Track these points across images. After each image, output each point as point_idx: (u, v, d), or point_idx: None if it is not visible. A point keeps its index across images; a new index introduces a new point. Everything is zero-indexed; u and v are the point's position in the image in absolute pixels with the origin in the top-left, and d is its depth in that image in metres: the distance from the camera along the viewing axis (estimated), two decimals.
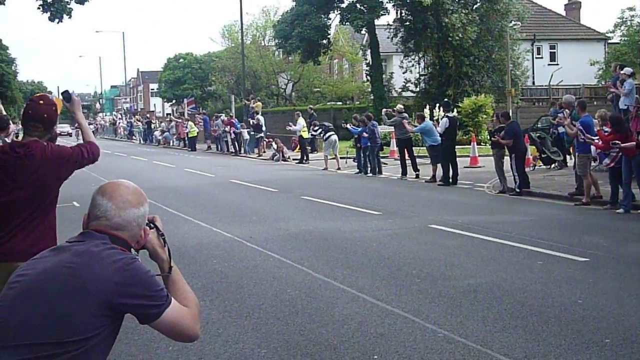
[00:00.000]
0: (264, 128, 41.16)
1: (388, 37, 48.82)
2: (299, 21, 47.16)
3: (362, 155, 27.50)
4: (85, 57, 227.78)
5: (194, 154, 46.44)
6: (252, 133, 41.56)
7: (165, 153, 47.54)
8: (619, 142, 15.62)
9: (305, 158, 34.64)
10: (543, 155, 25.46)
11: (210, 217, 16.37)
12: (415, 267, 10.72)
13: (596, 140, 16.57)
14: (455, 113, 29.64)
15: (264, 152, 40.11)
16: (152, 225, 3.35)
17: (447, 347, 7.11)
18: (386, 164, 28.97)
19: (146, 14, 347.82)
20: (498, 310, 8.28)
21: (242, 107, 49.66)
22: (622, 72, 21.60)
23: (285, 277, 10.28)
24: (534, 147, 25.72)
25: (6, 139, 10.86)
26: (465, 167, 26.33)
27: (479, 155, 28.76)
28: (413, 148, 26.18)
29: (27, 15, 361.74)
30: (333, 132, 31.66)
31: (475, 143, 29.63)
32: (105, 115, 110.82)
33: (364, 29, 48.15)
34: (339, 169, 29.57)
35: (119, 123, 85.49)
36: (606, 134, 16.28)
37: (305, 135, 35.66)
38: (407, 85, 49.44)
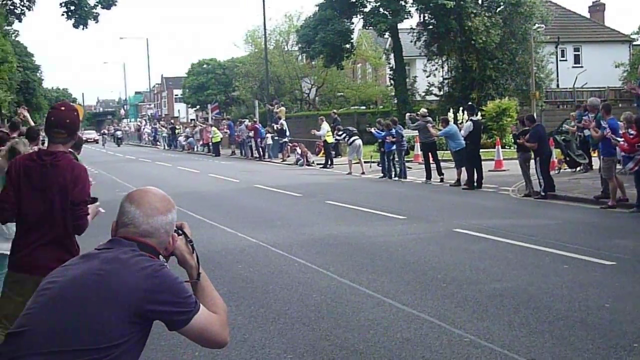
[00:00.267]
0: (287, 133, 41.20)
1: (411, 41, 48.75)
2: (322, 26, 47.25)
3: (386, 159, 27.48)
4: (109, 63, 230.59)
5: (218, 159, 46.58)
6: (276, 138, 41.64)
7: (190, 158, 47.69)
8: None
9: (329, 163, 34.64)
10: (568, 159, 25.33)
11: (234, 223, 16.41)
12: (441, 271, 10.70)
13: (622, 142, 16.46)
14: (479, 117, 29.54)
15: (288, 156, 40.16)
16: (180, 232, 3.37)
17: (473, 351, 7.08)
18: (410, 168, 28.91)
19: (170, 20, 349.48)
20: (524, 315, 8.24)
21: (266, 112, 49.75)
22: None
23: (310, 282, 10.29)
24: (559, 150, 25.58)
25: (35, 148, 10.95)
26: (489, 171, 26.22)
27: (504, 159, 28.64)
28: (437, 152, 26.11)
29: (52, 23, 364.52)
30: (357, 137, 31.62)
31: (499, 146, 29.53)
32: (130, 122, 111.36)
33: (387, 33, 48.19)
34: (363, 173, 29.57)
35: (143, 129, 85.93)
36: (631, 136, 16.17)
37: (330, 139, 35.65)
38: (430, 89, 49.36)
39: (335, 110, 44.90)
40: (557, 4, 59.86)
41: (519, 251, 12.17)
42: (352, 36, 50.90)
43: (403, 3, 46.81)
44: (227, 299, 9.14)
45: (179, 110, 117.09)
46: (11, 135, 11.15)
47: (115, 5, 37.55)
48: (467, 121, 24.46)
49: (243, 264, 11.70)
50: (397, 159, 27.19)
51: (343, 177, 29.01)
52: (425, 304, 8.89)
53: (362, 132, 35.82)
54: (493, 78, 45.10)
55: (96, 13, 37.54)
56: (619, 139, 16.61)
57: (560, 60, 57.54)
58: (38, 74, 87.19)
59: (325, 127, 36.04)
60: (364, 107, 58.53)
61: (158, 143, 72.69)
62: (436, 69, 49.04)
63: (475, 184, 22.40)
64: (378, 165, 29.56)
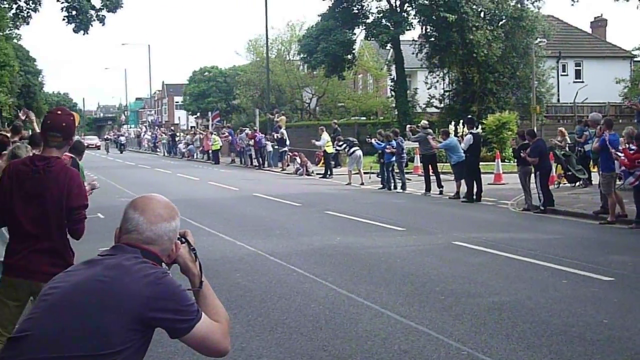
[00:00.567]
0: (287, 142, 41.25)
1: (413, 53, 48.82)
2: (324, 36, 47.32)
3: (385, 170, 27.51)
4: (111, 69, 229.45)
5: (218, 167, 46.62)
6: (276, 147, 41.68)
7: (189, 166, 47.72)
8: None
9: (329, 173, 34.66)
10: (568, 173, 25.34)
11: (233, 231, 16.41)
12: (439, 284, 10.70)
13: (622, 157, 16.47)
14: (479, 130, 29.56)
15: (288, 166, 40.18)
16: (183, 240, 3.37)
17: None
18: (410, 179, 28.91)
19: (172, 27, 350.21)
20: (522, 329, 8.24)
21: (267, 121, 49.80)
22: None
23: (308, 291, 10.29)
24: (559, 164, 25.60)
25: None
26: (489, 184, 26.24)
27: (503, 172, 28.67)
28: (437, 164, 26.11)
29: (55, 28, 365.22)
30: (358, 147, 31.64)
31: (499, 160, 29.56)
32: (130, 128, 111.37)
33: (388, 45, 48.22)
34: (362, 184, 29.58)
35: (143, 135, 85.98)
36: (632, 152, 16.19)
37: (329, 150, 35.67)
38: (431, 101, 49.44)
39: (335, 121, 44.93)
40: (559, 18, 59.95)
41: (517, 265, 12.17)
42: (353, 47, 51.01)
43: (405, 15, 46.91)
44: (225, 308, 9.13)
45: (179, 118, 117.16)
46: (12, 140, 11.15)
47: (122, 6, 37.69)
48: (467, 134, 24.47)
49: (241, 273, 11.69)
50: (397, 171, 27.24)
51: (342, 188, 29.02)
52: (423, 316, 8.88)
53: (362, 143, 35.85)
54: (494, 91, 45.17)
55: (102, 16, 37.64)
56: (619, 153, 16.63)
57: (561, 75, 57.61)
58: (39, 78, 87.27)
59: (325, 137, 36.09)
60: (364, 118, 58.57)
61: (158, 150, 72.76)
62: (437, 81, 49.09)
63: (475, 197, 22.41)
64: (377, 176, 29.58)
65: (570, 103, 50.77)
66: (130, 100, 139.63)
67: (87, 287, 2.98)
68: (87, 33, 37.68)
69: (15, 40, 63.00)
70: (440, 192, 24.86)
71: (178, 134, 69.55)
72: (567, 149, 25.58)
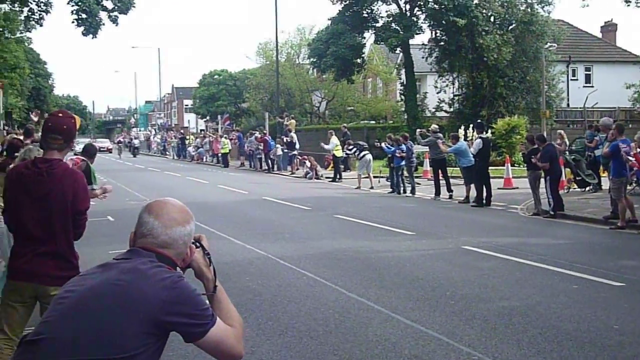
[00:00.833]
0: (297, 146, 41.28)
1: (422, 57, 48.88)
2: (334, 40, 47.38)
3: (395, 174, 27.50)
4: (121, 72, 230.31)
5: (227, 170, 46.65)
6: (286, 151, 41.71)
7: (199, 169, 47.79)
8: None
9: (338, 176, 34.67)
10: (578, 178, 25.27)
11: (243, 234, 16.43)
12: (449, 288, 10.69)
13: (633, 161, 16.44)
14: (488, 134, 29.53)
15: (297, 169, 40.20)
16: (197, 244, 3.39)
17: None
18: (419, 184, 28.88)
19: (182, 30, 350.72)
20: (533, 334, 8.23)
21: (276, 124, 49.84)
22: None
23: (318, 295, 10.30)
24: (569, 169, 25.53)
25: None
26: (499, 189, 26.18)
27: (513, 177, 28.59)
28: (447, 168, 26.07)
29: (65, 31, 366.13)
30: (368, 151, 31.64)
31: (509, 164, 29.47)
32: (140, 131, 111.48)
33: (398, 49, 48.22)
34: (372, 188, 29.57)
35: (153, 138, 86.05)
36: None
37: (338, 153, 35.68)
38: (440, 105, 49.41)
39: (345, 125, 45.02)
40: (569, 23, 59.87)
41: (527, 270, 12.15)
42: (363, 51, 51.09)
43: (415, 19, 46.95)
44: None
45: (188, 121, 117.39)
46: (24, 142, 11.18)
47: (134, 7, 37.89)
48: (476, 138, 24.43)
49: (251, 276, 11.71)
50: (406, 175, 27.24)
51: (352, 191, 29.02)
52: (433, 320, 8.88)
53: (371, 147, 35.86)
54: (504, 96, 45.12)
55: (115, 16, 37.84)
56: (630, 157, 16.60)
57: (571, 80, 57.45)
58: (50, 81, 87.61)
59: (334, 141, 36.08)
60: (373, 122, 58.57)
61: (167, 153, 72.86)
62: (447, 85, 49.10)
63: (484, 201, 22.37)
64: (387, 180, 29.56)
65: (580, 108, 50.69)
66: (139, 103, 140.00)
67: (103, 291, 2.99)
68: (96, 37, 37.89)
69: (26, 44, 63.25)
70: (450, 197, 24.84)
71: (187, 137, 69.64)
72: (566, 151, 25.45)
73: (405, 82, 48.95)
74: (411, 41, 47.65)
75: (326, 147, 36.81)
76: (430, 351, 7.65)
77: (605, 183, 21.60)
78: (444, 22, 44.30)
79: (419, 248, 14.53)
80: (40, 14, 38.62)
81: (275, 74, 54.47)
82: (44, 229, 5.84)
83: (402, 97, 50.76)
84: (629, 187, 17.91)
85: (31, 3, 38.26)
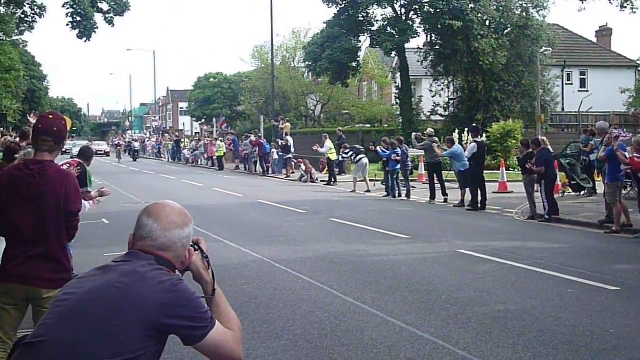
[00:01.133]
0: (292, 149, 41.29)
1: (418, 61, 48.93)
2: (329, 43, 47.35)
3: (390, 178, 27.52)
4: (115, 74, 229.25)
5: (222, 173, 46.60)
6: (281, 154, 41.71)
7: (194, 172, 47.75)
8: None
9: (333, 180, 34.68)
10: (573, 182, 25.30)
11: (238, 237, 16.42)
12: (445, 292, 10.69)
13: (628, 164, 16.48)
14: (483, 138, 29.52)
15: (292, 173, 40.21)
16: (196, 247, 3.39)
17: None
18: (414, 187, 28.91)
19: (177, 33, 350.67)
20: (528, 338, 8.24)
21: (271, 127, 49.84)
22: None
23: (314, 299, 10.29)
24: (564, 173, 25.56)
25: None
26: (494, 193, 26.19)
27: (508, 181, 28.63)
28: (442, 172, 26.09)
29: (60, 33, 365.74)
30: (364, 155, 31.66)
31: (504, 168, 29.50)
32: (134, 134, 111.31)
33: (393, 52, 48.22)
34: (368, 191, 29.58)
35: (148, 141, 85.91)
36: (638, 160, 16.20)
37: (333, 157, 35.69)
38: (436, 109, 49.46)
39: (340, 128, 45.06)
40: (564, 27, 59.95)
41: (523, 274, 12.16)
42: (358, 54, 51.03)
43: (410, 23, 47.00)
44: None
45: (183, 124, 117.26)
46: (20, 145, 11.17)
47: (129, 9, 37.99)
48: (471, 142, 24.46)
49: (247, 280, 11.70)
50: (401, 179, 27.26)
51: (347, 195, 29.02)
52: (429, 324, 8.88)
53: (367, 150, 35.86)
54: (499, 100, 45.16)
55: (110, 17, 37.93)
56: (626, 155, 16.65)
57: (566, 84, 57.57)
58: (44, 83, 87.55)
59: (329, 144, 36.08)
60: (369, 126, 58.59)
61: (162, 155, 72.78)
62: (442, 89, 49.12)
63: (479, 205, 22.40)
64: (382, 183, 29.58)
65: (575, 112, 50.78)
66: (134, 105, 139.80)
67: (102, 294, 2.99)
68: (90, 40, 37.95)
69: (21, 46, 63.23)
70: (445, 200, 24.86)
71: (182, 140, 69.57)
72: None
73: (400, 86, 48.93)
74: (406, 45, 47.61)
75: (320, 150, 36.81)
76: (426, 355, 7.65)
77: (600, 187, 21.63)
78: (439, 25, 44.31)
79: (414, 252, 14.53)
80: (33, 17, 38.68)
81: (271, 77, 54.47)
82: (36, 230, 5.81)
83: (398, 100, 50.78)
84: (623, 192, 17.93)
85: (25, 5, 38.31)
